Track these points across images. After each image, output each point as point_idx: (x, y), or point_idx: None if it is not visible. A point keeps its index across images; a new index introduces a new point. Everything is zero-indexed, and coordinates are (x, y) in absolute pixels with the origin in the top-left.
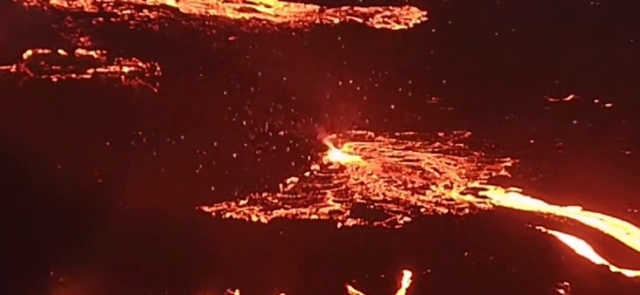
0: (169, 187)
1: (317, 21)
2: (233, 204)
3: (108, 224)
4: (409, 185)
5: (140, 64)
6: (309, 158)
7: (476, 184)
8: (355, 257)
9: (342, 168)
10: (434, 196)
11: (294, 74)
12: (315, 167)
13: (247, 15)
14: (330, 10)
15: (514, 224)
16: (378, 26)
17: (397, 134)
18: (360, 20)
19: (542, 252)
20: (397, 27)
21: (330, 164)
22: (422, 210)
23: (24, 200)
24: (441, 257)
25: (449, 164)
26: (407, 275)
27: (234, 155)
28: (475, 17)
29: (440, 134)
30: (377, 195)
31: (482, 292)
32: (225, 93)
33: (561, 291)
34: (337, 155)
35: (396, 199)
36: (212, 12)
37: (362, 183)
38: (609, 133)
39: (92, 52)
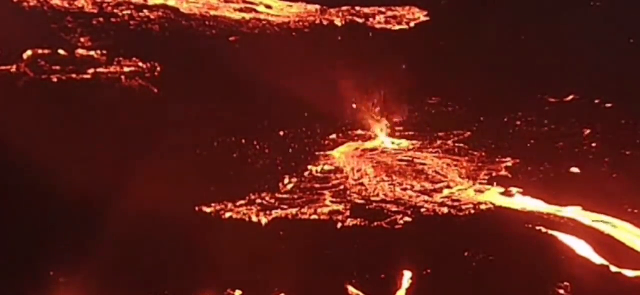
0: (168, 187)
1: (318, 21)
2: (232, 204)
3: (108, 223)
4: (409, 186)
5: (140, 64)
6: (308, 158)
7: (476, 184)
8: (355, 257)
9: (342, 169)
10: (434, 196)
11: (294, 74)
12: (315, 167)
13: (247, 15)
14: (331, 10)
15: (514, 224)
16: (378, 26)
17: (397, 134)
18: (361, 20)
19: (542, 252)
20: (397, 27)
21: (330, 164)
22: (422, 210)
23: (24, 200)
24: (441, 257)
25: (449, 164)
26: (407, 275)
27: (234, 155)
28: (475, 17)
29: (440, 134)
30: (377, 195)
31: (482, 292)
32: (225, 93)
33: (561, 291)
34: (338, 155)
35: (396, 199)
36: (212, 12)
37: (361, 183)
38: (609, 133)
39: (92, 52)
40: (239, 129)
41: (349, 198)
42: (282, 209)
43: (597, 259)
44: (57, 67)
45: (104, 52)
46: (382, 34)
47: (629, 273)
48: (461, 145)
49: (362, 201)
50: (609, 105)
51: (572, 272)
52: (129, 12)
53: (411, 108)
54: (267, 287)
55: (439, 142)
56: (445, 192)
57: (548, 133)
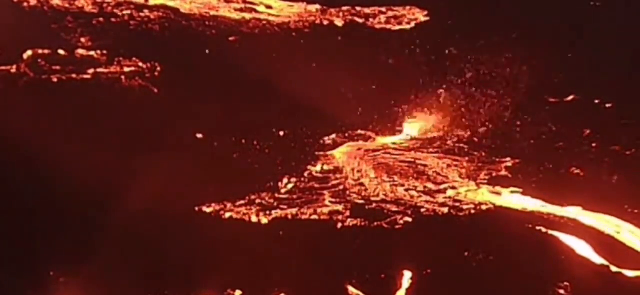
0: (168, 187)
1: (318, 21)
2: (232, 204)
3: (108, 223)
4: (410, 186)
5: (140, 64)
6: (308, 158)
7: (476, 184)
8: (355, 257)
9: (342, 169)
10: (435, 196)
11: (294, 74)
12: (314, 167)
13: (247, 15)
14: (331, 10)
15: (514, 224)
16: (378, 26)
17: (397, 133)
18: (361, 20)
19: (542, 252)
20: (397, 27)
21: (330, 164)
22: (422, 210)
23: (24, 200)
24: (441, 257)
25: (449, 164)
26: (407, 275)
27: (234, 155)
28: (475, 18)
29: (440, 134)
30: (377, 195)
31: (482, 292)
32: (225, 93)
33: (561, 291)
34: (338, 155)
35: (396, 199)
36: (212, 12)
37: (361, 183)
38: (609, 133)
39: (92, 52)
40: (239, 129)
41: (348, 198)
42: (282, 209)
43: (597, 259)
44: (57, 67)
45: (104, 52)
46: (382, 34)
47: (629, 273)
48: (461, 145)
49: (362, 201)
50: (609, 105)
51: (572, 272)
52: (129, 12)
53: (411, 108)
54: (267, 287)
55: (438, 142)
56: (445, 192)
57: (548, 133)
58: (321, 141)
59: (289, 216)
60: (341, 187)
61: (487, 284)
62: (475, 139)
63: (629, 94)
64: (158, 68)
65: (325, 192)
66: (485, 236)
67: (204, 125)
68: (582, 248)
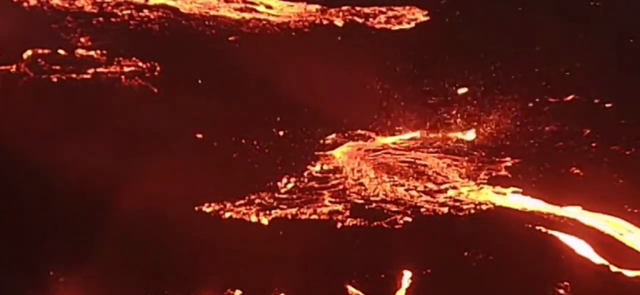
0: (168, 187)
1: (318, 21)
2: (232, 204)
3: (108, 223)
4: (410, 186)
5: (140, 64)
6: (308, 158)
7: (476, 184)
8: (355, 257)
9: (342, 169)
10: (435, 196)
11: (294, 74)
12: (314, 167)
13: (247, 15)
14: (331, 10)
15: (514, 224)
16: (378, 26)
17: (397, 134)
18: (361, 20)
19: (542, 252)
20: (397, 27)
21: (330, 164)
22: (422, 210)
23: (24, 200)
24: (441, 257)
25: (449, 164)
26: (407, 275)
27: (234, 155)
28: (475, 18)
29: (440, 134)
30: (377, 195)
31: (482, 292)
32: (225, 93)
33: (561, 291)
34: (338, 155)
35: (396, 199)
36: (212, 12)
37: (361, 183)
38: (609, 133)
39: (92, 52)
40: (239, 129)
41: (348, 198)
42: (282, 209)
43: (597, 259)
44: (57, 67)
45: (104, 52)
46: (382, 34)
47: (629, 273)
48: (461, 145)
49: (362, 201)
50: (609, 105)
51: (572, 272)
52: (129, 12)
53: (411, 108)
54: (267, 287)
55: (439, 142)
56: (446, 192)
57: (548, 133)
58: (321, 141)
59: (289, 216)
60: (341, 187)
61: (487, 284)
62: (475, 139)
63: (629, 94)
64: (158, 68)
65: (325, 192)
66: (485, 236)
67: (204, 125)
68: (582, 248)
